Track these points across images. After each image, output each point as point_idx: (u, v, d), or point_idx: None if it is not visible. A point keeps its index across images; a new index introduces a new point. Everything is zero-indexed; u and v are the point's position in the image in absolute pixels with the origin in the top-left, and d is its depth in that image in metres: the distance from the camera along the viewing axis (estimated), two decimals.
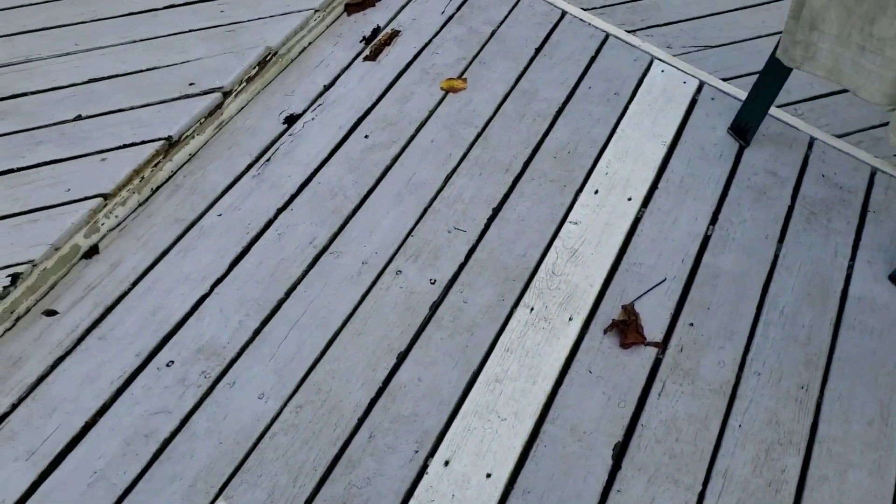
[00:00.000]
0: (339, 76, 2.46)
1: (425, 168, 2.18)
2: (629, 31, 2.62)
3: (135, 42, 2.41)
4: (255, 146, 2.23)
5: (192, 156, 2.20)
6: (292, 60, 2.51)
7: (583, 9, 2.70)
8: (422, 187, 2.14)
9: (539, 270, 1.96)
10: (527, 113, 2.34)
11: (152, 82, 2.26)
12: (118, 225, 2.02)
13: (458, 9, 2.70)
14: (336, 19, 2.65)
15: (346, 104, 2.36)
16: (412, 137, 2.28)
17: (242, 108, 2.34)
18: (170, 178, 2.15)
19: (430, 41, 2.58)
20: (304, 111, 2.34)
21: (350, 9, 2.68)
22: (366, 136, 2.27)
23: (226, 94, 2.26)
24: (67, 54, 2.36)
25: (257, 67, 2.36)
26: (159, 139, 2.09)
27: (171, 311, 1.85)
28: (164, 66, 2.32)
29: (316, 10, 2.53)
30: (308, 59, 2.51)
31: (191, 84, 2.25)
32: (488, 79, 2.45)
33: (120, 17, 2.50)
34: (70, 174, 2.00)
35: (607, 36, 2.60)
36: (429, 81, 2.44)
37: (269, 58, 2.39)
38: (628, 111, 2.36)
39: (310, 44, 2.56)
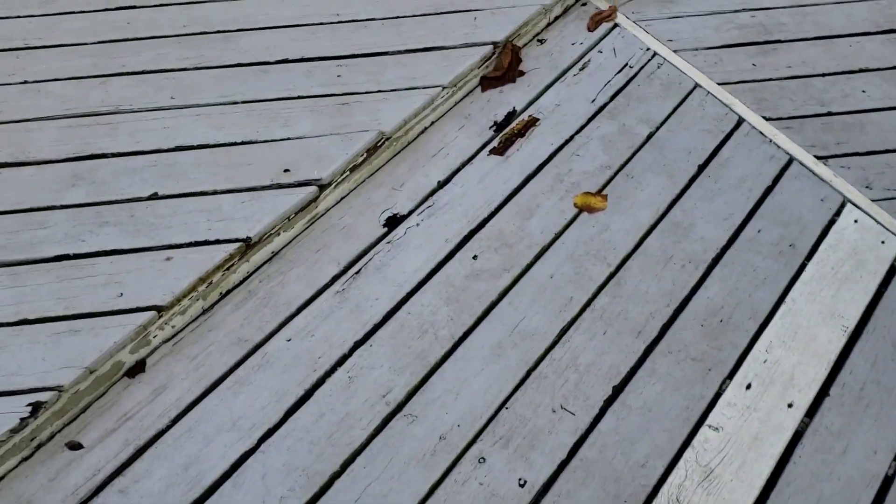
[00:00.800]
0: (457, 171, 2.09)
1: (538, 313, 1.79)
2: (819, 158, 2.12)
3: (236, 104, 2.12)
4: (346, 252, 1.90)
5: (274, 255, 1.89)
6: (409, 143, 2.15)
7: (765, 118, 2.21)
8: (529, 339, 1.75)
9: (659, 494, 1.53)
10: (675, 254, 1.90)
11: (244, 161, 1.96)
12: (173, 336, 1.74)
13: (613, 97, 2.27)
14: (467, 95, 2.27)
15: (460, 210, 2.00)
16: (528, 267, 1.89)
17: (341, 199, 2.01)
18: (243, 281, 1.85)
19: (571, 137, 2.17)
20: (410, 213, 1.99)
21: (486, 84, 2.30)
22: (474, 257, 1.90)
23: (322, 188, 1.93)
24: (160, 109, 2.10)
25: (365, 155, 2.02)
26: (237, 240, 1.79)
27: (207, 468, 1.55)
28: (260, 142, 2.02)
29: (444, 87, 2.16)
30: (426, 143, 2.15)
31: (286, 171, 1.94)
32: (634, 199, 2.02)
33: (227, 67, 2.22)
34: (128, 273, 1.73)
35: (790, 161, 2.11)
36: (561, 192, 2.03)
37: (380, 143, 2.05)
38: (804, 273, 1.88)
39: (432, 123, 2.20)
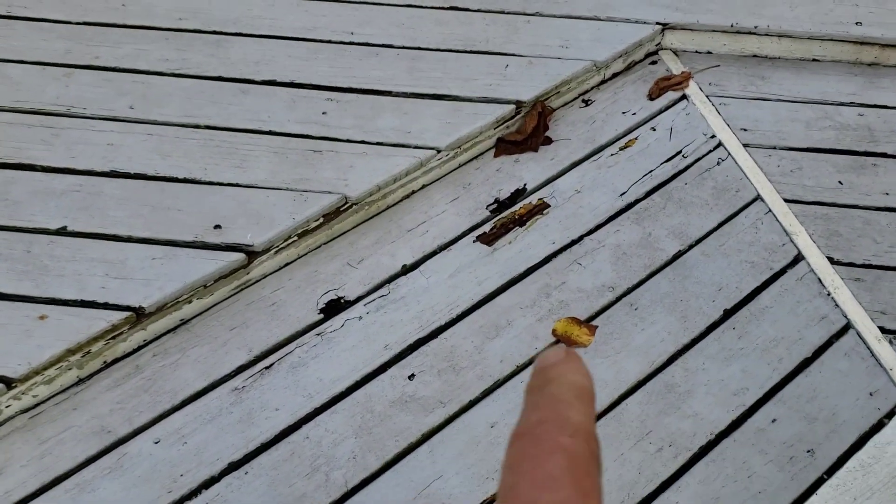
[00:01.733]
0: (430, 255, 1.74)
1: (459, 474, 1.44)
2: (886, 333, 1.64)
3: (197, 128, 1.82)
4: (263, 338, 1.60)
5: (182, 323, 1.61)
6: (386, 208, 1.81)
7: (831, 260, 1.74)
8: None
9: None
10: (655, 430, 1.50)
11: (175, 204, 1.67)
12: (33, 407, 1.49)
13: (648, 194, 1.85)
14: (477, 157, 1.89)
15: (416, 308, 1.65)
16: (470, 405, 1.53)
17: (284, 266, 1.70)
18: (136, 350, 1.58)
19: (580, 238, 1.77)
20: (357, 300, 1.66)
21: (501, 147, 1.91)
22: (410, 377, 1.56)
23: (252, 257, 1.62)
24: (113, 119, 1.83)
25: (321, 220, 1.69)
26: (127, 308, 1.51)
27: None
28: (204, 183, 1.72)
29: (439, 151, 1.79)
30: (406, 212, 1.80)
31: (216, 227, 1.64)
32: (628, 341, 1.61)
33: (205, 79, 1.92)
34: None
35: (847, 327, 1.65)
36: (543, 311, 1.65)
37: (342, 208, 1.71)
38: (816, 495, 1.44)
39: (423, 187, 1.84)
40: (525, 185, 1.87)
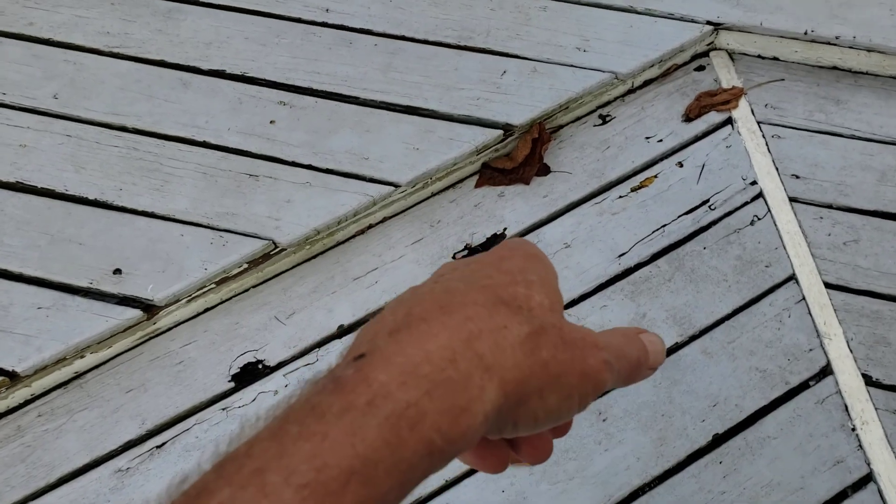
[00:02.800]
0: (373, 314, 1.45)
1: None
2: None
3: (123, 131, 1.56)
4: (160, 408, 1.39)
5: (76, 376, 1.41)
6: (334, 245, 1.53)
7: (868, 379, 1.38)
8: None
9: None
10: None
11: (76, 236, 1.44)
12: None
13: (654, 258, 1.50)
14: (455, 185, 1.57)
15: None
16: None
17: (201, 314, 1.46)
18: (21, 406, 1.39)
19: None
20: (279, 366, 1.42)
21: (485, 177, 1.58)
22: None
23: (152, 312, 1.39)
24: (32, 111, 1.58)
25: (246, 266, 1.43)
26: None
27: None
28: (114, 208, 1.47)
29: (397, 188, 1.47)
30: (357, 253, 1.52)
31: (116, 272, 1.40)
32: (583, 468, 1.33)
33: (144, 62, 1.63)
34: None
35: (869, 478, 1.31)
36: None
37: (271, 253, 1.44)
38: None
39: (384, 220, 1.54)
40: (505, 228, 1.54)
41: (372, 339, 0.33)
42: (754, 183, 1.56)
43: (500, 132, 1.52)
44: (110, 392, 1.40)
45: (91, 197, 1.49)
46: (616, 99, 1.66)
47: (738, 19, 1.62)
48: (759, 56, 1.69)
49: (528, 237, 1.53)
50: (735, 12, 1.63)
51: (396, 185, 1.47)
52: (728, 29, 1.63)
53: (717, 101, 1.64)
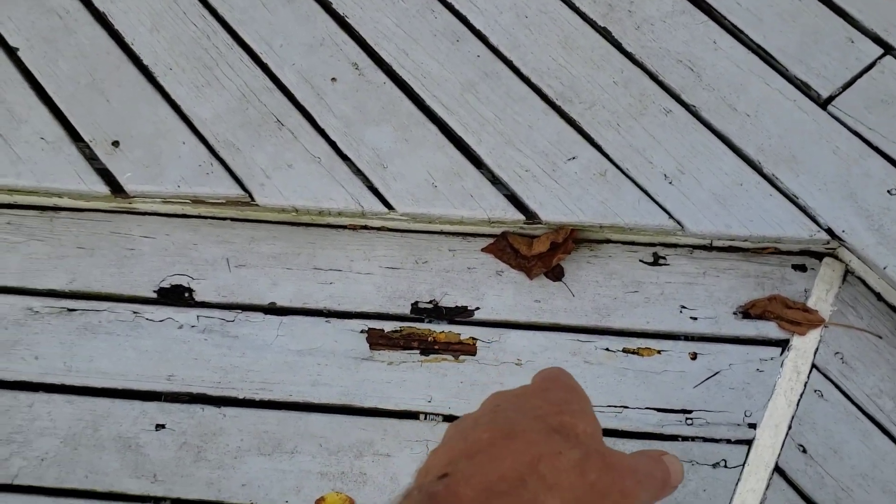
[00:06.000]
0: (307, 313, 1.44)
1: None
2: None
3: (212, 15, 1.55)
4: (92, 279, 1.47)
5: (53, 207, 1.52)
6: (325, 225, 1.49)
7: None
8: None
9: None
10: None
11: (110, 96, 1.49)
12: None
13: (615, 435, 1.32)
14: (465, 236, 1.46)
15: (234, 360, 1.42)
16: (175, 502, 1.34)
17: (170, 216, 1.50)
18: None
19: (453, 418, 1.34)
20: (198, 305, 1.45)
21: (496, 247, 1.45)
22: (157, 426, 1.38)
23: (118, 195, 1.43)
24: None
25: (224, 201, 1.43)
26: None
27: None
28: (155, 83, 1.50)
29: (390, 209, 1.39)
30: (336, 243, 1.49)
31: (114, 143, 1.45)
32: None
33: None
34: None
35: None
36: (336, 469, 1.34)
37: (244, 202, 1.43)
38: None
39: (380, 228, 1.48)
40: (477, 308, 1.41)
41: (451, 461, 0.39)
42: (752, 426, 1.31)
43: (522, 218, 1.36)
44: (67, 238, 1.48)
45: (144, 62, 1.51)
46: (684, 246, 1.42)
47: (863, 247, 1.30)
48: (876, 294, 1.36)
49: (493, 330, 1.40)
50: (866, 237, 1.30)
51: (391, 207, 1.37)
52: (844, 244, 1.32)
53: (787, 316, 1.36)
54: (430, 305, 1.42)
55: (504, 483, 0.36)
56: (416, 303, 1.42)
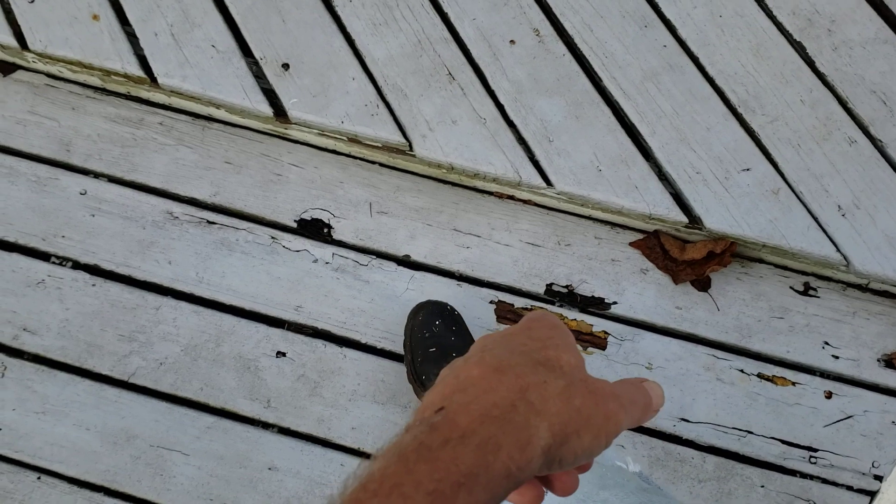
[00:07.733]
0: (438, 272, 1.42)
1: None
2: None
3: None
4: (237, 196, 1.47)
5: (208, 117, 1.51)
6: (473, 188, 1.47)
7: None
8: None
9: None
10: None
11: (288, 17, 1.48)
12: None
13: (723, 464, 1.31)
14: (611, 225, 1.43)
15: (362, 304, 1.41)
16: (282, 432, 1.34)
17: (322, 150, 1.49)
18: (156, 106, 1.53)
19: None
20: (335, 243, 1.44)
21: (646, 243, 1.42)
22: (278, 353, 1.38)
23: (279, 118, 1.42)
24: None
25: (380, 145, 1.42)
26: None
27: None
28: (334, 14, 1.47)
29: (549, 185, 1.36)
30: (481, 209, 1.46)
31: (284, 66, 1.44)
32: None
33: None
34: None
35: None
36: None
37: (403, 151, 1.41)
38: None
39: (527, 202, 1.45)
40: (614, 302, 1.38)
41: (446, 396, 0.42)
42: (878, 478, 1.27)
43: (684, 220, 1.32)
44: (216, 151, 1.48)
45: None
46: (839, 281, 1.37)
47: None
48: None
49: (626, 328, 1.37)
50: None
51: (550, 184, 1.34)
52: None
53: None
54: (566, 290, 1.39)
55: (497, 409, 0.40)
56: (552, 284, 1.39)
